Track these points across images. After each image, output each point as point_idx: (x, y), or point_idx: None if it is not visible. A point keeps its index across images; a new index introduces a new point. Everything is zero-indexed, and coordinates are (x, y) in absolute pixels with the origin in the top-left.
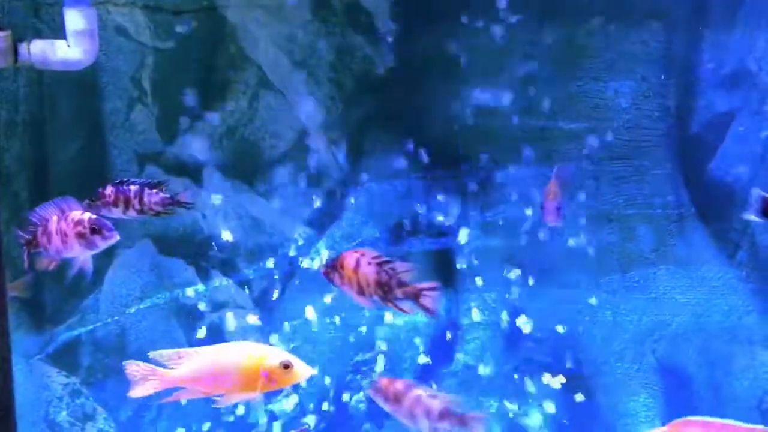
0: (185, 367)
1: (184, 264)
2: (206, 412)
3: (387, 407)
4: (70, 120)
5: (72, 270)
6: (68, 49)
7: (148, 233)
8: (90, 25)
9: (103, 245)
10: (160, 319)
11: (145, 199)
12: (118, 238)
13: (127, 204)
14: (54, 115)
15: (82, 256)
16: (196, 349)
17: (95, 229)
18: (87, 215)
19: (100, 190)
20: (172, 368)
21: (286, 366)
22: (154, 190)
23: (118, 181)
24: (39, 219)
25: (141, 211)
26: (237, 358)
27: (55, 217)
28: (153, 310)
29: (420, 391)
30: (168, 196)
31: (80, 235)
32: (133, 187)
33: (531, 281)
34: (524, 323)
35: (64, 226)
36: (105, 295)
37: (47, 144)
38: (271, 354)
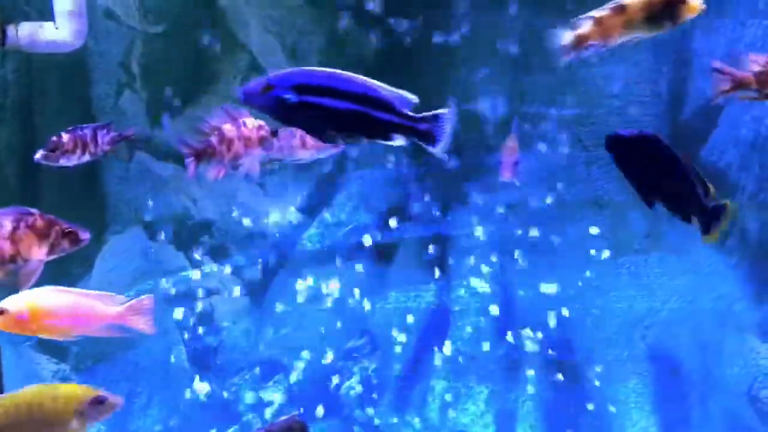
0: None
1: (174, 250)
2: (195, 399)
3: None
4: (59, 105)
5: (242, 174)
6: (56, 30)
7: (138, 219)
8: (78, 7)
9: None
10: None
11: (99, 140)
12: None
13: (84, 148)
14: (43, 101)
15: (253, 161)
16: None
17: (274, 132)
18: (259, 120)
19: (54, 139)
20: None
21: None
22: (104, 131)
23: (70, 129)
24: (211, 128)
25: (94, 154)
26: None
27: (228, 125)
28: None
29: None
30: (117, 133)
31: (263, 140)
32: (87, 132)
33: (522, 267)
34: (515, 310)
35: (247, 132)
36: (95, 281)
37: (36, 129)
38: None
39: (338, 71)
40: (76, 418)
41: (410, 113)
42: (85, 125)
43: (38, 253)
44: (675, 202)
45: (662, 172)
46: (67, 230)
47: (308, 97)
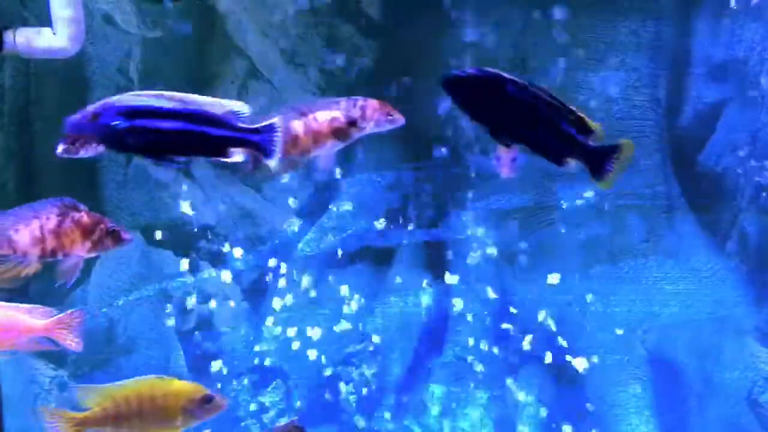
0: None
1: (172, 255)
2: None
3: None
4: (57, 110)
5: (319, 167)
6: (54, 36)
7: (137, 224)
8: (76, 12)
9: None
10: (148, 311)
11: None
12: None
13: None
14: (40, 106)
15: (327, 154)
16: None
17: (352, 122)
18: (335, 112)
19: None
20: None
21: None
22: None
23: None
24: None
25: None
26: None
27: (298, 122)
28: (142, 302)
29: None
30: None
31: (337, 131)
32: None
33: (521, 271)
34: (514, 314)
35: (316, 125)
36: (93, 286)
37: (34, 135)
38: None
39: (166, 92)
40: (182, 415)
41: (242, 125)
42: None
43: (80, 249)
44: (537, 143)
45: (512, 112)
46: (111, 229)
47: (137, 121)
